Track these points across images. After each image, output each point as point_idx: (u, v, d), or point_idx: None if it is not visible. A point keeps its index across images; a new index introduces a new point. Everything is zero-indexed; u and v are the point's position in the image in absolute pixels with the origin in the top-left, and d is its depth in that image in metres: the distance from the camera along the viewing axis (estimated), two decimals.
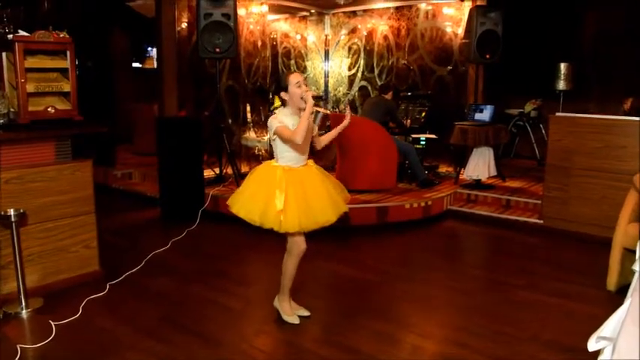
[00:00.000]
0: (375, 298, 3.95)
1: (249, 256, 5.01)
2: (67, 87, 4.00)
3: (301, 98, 3.19)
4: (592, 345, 1.75)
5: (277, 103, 3.32)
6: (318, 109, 3.28)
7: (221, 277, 4.33)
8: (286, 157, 3.28)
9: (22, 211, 3.61)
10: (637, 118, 5.13)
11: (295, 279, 3.48)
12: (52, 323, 3.38)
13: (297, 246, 3.35)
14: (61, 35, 3.91)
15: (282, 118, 3.22)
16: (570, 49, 8.27)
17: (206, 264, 4.65)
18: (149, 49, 10.99)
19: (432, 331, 3.45)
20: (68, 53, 3.96)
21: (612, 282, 4.05)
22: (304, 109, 3.18)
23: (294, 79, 3.21)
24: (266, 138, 8.19)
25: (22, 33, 3.76)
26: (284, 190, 3.18)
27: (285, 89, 3.23)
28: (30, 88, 3.80)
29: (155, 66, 10.82)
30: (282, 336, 3.34)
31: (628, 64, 7.69)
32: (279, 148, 3.27)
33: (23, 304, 3.62)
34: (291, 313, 3.50)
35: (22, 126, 3.76)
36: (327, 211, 3.28)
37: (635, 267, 2.19)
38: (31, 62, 3.83)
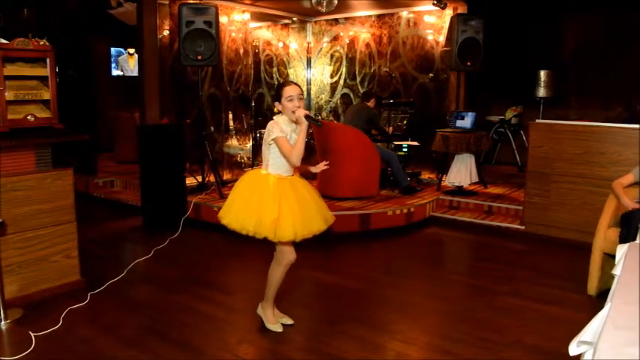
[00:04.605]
0: (358, 305, 3.95)
1: (232, 264, 4.98)
2: (47, 95, 3.97)
3: (293, 112, 3.19)
4: (573, 349, 1.77)
5: (277, 109, 3.34)
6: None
7: (204, 285, 4.30)
8: (278, 164, 3.26)
9: (1, 220, 3.56)
10: (620, 125, 5.22)
11: (279, 287, 3.47)
12: (32, 334, 3.33)
13: (286, 256, 3.33)
14: (41, 43, 3.88)
15: (283, 127, 3.22)
16: (550, 57, 8.37)
17: (189, 272, 4.62)
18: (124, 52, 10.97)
19: (415, 337, 3.46)
20: (48, 61, 3.93)
21: (593, 286, 4.09)
22: (295, 122, 3.23)
23: (287, 92, 3.21)
24: (248, 146, 8.18)
25: (0, 40, 3.72)
26: (278, 198, 3.16)
27: (278, 100, 3.25)
28: (9, 96, 3.76)
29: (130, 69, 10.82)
30: (266, 344, 3.32)
31: (606, 72, 7.81)
32: (273, 154, 3.25)
33: (2, 315, 3.55)
34: (275, 321, 3.49)
35: (1, 134, 3.71)
36: (319, 220, 3.31)
37: (615, 271, 2.21)
38: (10, 70, 3.79)
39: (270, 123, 3.25)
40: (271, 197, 3.17)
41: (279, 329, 3.45)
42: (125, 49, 10.97)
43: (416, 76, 8.14)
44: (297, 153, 3.15)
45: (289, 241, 3.26)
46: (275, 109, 3.35)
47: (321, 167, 3.46)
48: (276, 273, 3.39)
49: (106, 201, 7.29)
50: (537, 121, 5.79)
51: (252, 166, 7.75)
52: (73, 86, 8.10)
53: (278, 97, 3.26)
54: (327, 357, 3.15)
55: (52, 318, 3.57)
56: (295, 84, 3.30)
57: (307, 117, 3.17)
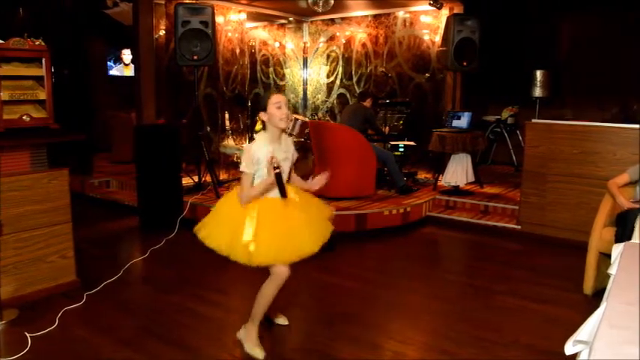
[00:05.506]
0: (354, 305, 3.95)
1: (228, 265, 4.93)
2: (42, 95, 3.95)
3: (280, 120, 3.00)
4: (569, 349, 1.77)
5: (259, 126, 3.11)
6: (297, 116, 3.25)
7: (200, 285, 4.30)
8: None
9: None
10: (616, 125, 5.24)
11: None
12: (28, 335, 3.32)
13: (279, 275, 3.06)
14: (37, 43, 3.87)
15: (258, 151, 2.99)
16: (546, 57, 8.39)
17: (185, 273, 4.61)
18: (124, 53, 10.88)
19: (412, 337, 3.46)
20: (44, 61, 3.91)
21: (589, 286, 4.10)
22: (284, 130, 3.08)
23: (274, 99, 3.01)
24: (245, 145, 8.17)
25: None
26: (254, 219, 2.96)
27: (265, 109, 3.03)
28: (5, 96, 3.74)
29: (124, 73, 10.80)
30: (263, 345, 3.30)
31: (602, 72, 7.82)
32: (255, 178, 3.05)
33: None
34: (258, 344, 3.17)
35: None
36: (312, 240, 3.04)
37: (611, 271, 2.22)
38: (6, 70, 3.77)
39: (246, 147, 3.04)
40: (248, 219, 2.97)
41: (261, 356, 3.12)
42: (120, 52, 10.91)
43: (412, 76, 8.14)
44: (248, 196, 2.98)
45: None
46: (257, 126, 3.12)
47: (320, 182, 3.25)
48: (269, 291, 3.11)
49: (102, 201, 7.27)
50: (533, 120, 5.80)
51: None
52: (69, 86, 8.08)
53: (263, 106, 3.05)
54: (323, 357, 3.15)
55: (48, 318, 3.56)
56: (281, 93, 3.13)
57: (276, 174, 2.89)
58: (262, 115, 3.06)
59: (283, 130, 3.12)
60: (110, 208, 7.01)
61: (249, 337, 3.20)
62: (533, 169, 5.62)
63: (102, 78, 10.68)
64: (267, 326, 3.50)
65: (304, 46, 9.47)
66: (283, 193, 2.95)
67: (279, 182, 2.91)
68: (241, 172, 3.02)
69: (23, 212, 3.80)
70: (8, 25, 7.67)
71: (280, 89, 9.51)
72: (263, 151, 2.99)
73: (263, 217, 2.98)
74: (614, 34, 7.76)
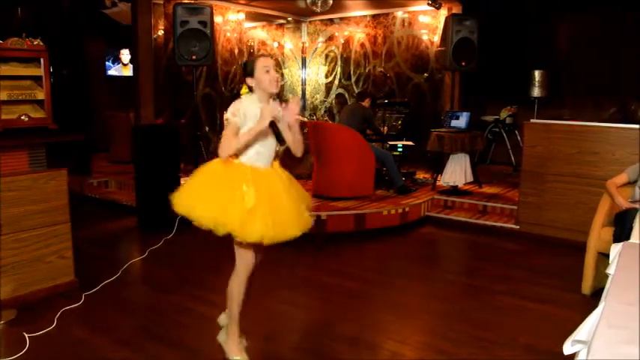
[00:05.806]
0: (353, 305, 3.95)
1: (227, 265, 4.94)
2: (41, 95, 3.95)
3: (270, 83, 2.77)
4: (567, 348, 1.77)
5: (244, 90, 2.85)
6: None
7: (199, 286, 4.29)
8: (250, 153, 2.80)
9: None
10: (614, 125, 5.25)
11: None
12: (26, 335, 3.31)
13: (247, 262, 2.88)
14: (35, 43, 3.87)
15: (247, 107, 2.75)
16: (545, 57, 8.39)
17: (183, 273, 4.60)
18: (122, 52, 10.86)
19: (410, 337, 3.46)
20: (42, 61, 3.91)
21: (587, 286, 4.10)
22: (275, 94, 2.83)
23: (262, 62, 2.76)
24: None
25: None
26: (251, 186, 2.69)
27: (252, 74, 2.78)
28: (3, 96, 3.74)
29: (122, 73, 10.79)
30: (260, 345, 3.31)
31: (601, 72, 7.83)
32: None
33: None
34: (239, 352, 2.97)
35: None
36: (293, 224, 2.80)
37: (609, 270, 2.22)
38: (4, 70, 3.77)
39: (232, 103, 2.78)
40: (244, 183, 2.70)
41: None
42: (118, 52, 10.90)
43: (411, 76, 8.15)
44: (231, 146, 2.71)
45: (254, 242, 2.76)
46: (243, 90, 2.85)
47: (293, 110, 2.81)
48: (236, 284, 2.91)
49: (100, 201, 7.26)
50: (532, 120, 5.80)
51: None
52: (67, 86, 8.07)
53: (250, 71, 2.77)
54: (323, 357, 3.15)
55: (47, 318, 3.55)
56: (268, 56, 2.86)
57: (272, 124, 2.71)
58: (249, 81, 2.81)
59: (272, 96, 2.85)
60: (109, 208, 7.00)
61: (228, 346, 3.01)
62: (531, 169, 5.63)
63: (100, 78, 10.67)
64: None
65: (303, 46, 9.47)
66: (281, 140, 2.75)
67: (276, 130, 2.72)
68: (226, 120, 2.76)
69: (22, 212, 3.79)
70: (7, 25, 7.67)
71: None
72: (251, 108, 2.75)
73: (258, 189, 2.73)
74: (613, 34, 7.77)
